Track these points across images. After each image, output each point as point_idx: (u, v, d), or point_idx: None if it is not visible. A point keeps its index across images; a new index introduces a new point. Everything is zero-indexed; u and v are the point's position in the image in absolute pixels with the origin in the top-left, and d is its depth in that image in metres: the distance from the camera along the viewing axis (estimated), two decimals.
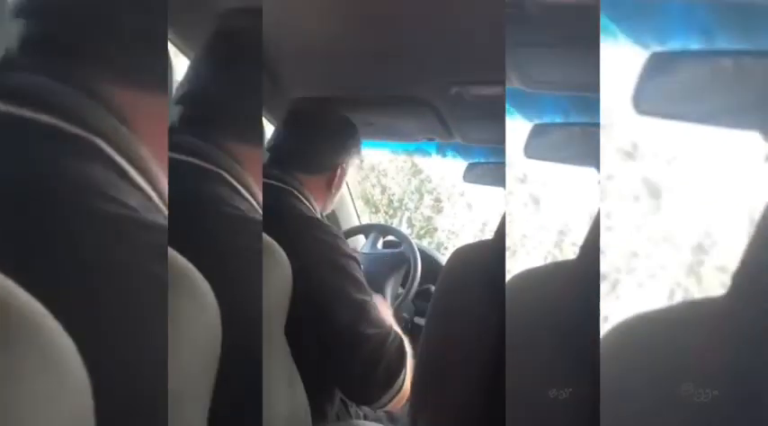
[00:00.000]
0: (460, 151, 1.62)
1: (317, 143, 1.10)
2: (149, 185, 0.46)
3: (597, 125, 0.72)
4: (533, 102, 0.95)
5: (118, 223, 0.41)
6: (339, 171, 1.10)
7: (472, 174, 1.56)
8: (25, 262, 0.33)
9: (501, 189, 1.49)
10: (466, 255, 0.86)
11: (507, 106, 0.99)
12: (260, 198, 0.76)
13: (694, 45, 0.63)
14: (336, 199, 1.15)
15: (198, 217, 0.68)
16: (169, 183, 0.49)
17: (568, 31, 0.74)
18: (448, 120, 1.32)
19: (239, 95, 0.67)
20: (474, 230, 3.83)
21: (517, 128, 0.98)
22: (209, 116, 0.74)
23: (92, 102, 0.44)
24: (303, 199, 1.05)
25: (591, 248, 0.60)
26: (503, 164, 1.45)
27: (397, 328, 1.03)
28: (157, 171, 0.47)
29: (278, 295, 0.83)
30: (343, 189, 1.21)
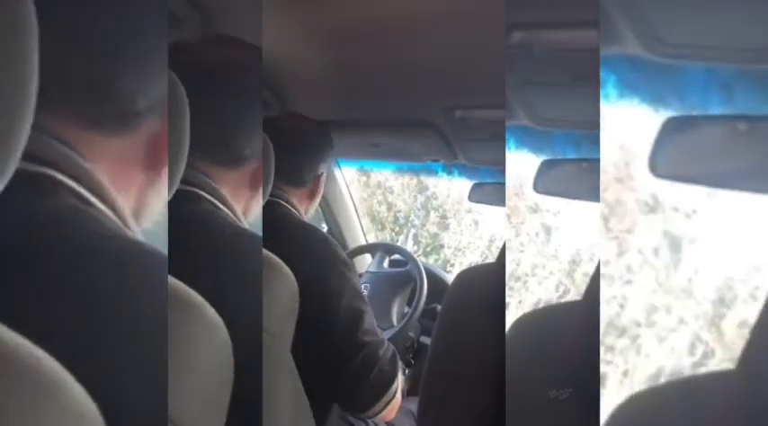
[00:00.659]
0: (465, 171, 1.65)
1: (297, 159, 1.13)
2: (113, 211, 0.46)
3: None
4: (542, 137, 0.99)
5: (109, 253, 0.41)
6: (320, 180, 1.13)
7: (477, 194, 1.59)
8: (23, 309, 0.34)
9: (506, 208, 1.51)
10: (469, 278, 0.88)
11: (516, 142, 1.02)
12: (238, 212, 0.78)
13: (714, 106, 0.65)
14: (317, 203, 1.17)
15: (188, 236, 0.71)
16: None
17: (574, 71, 0.77)
18: (452, 142, 1.35)
19: (209, 120, 0.69)
20: (481, 247, 3.84)
21: (526, 163, 1.01)
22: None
23: (54, 143, 0.44)
24: (291, 208, 1.08)
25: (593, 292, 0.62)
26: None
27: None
28: (122, 202, 0.48)
29: (285, 313, 0.85)
30: (350, 207, 1.21)
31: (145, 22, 0.48)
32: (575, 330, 0.64)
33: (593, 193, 0.86)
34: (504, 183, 1.45)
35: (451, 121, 1.27)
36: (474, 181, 1.64)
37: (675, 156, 0.60)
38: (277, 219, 1.05)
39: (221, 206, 0.76)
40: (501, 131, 1.25)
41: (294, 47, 1.08)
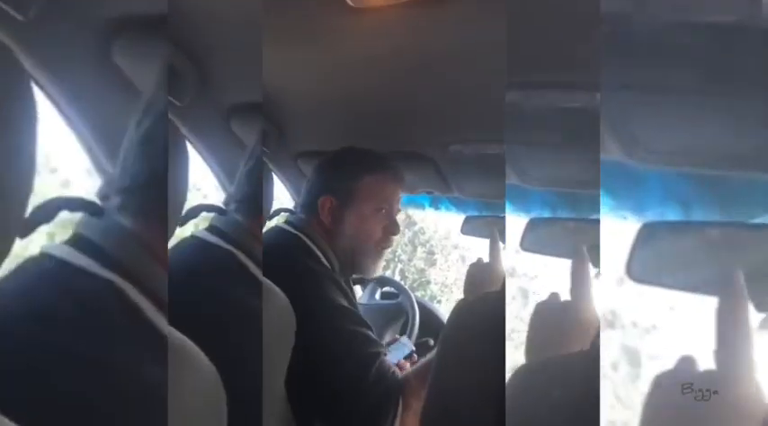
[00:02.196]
0: (455, 204, 1.68)
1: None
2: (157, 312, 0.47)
3: (591, 221, 0.77)
4: (526, 197, 1.02)
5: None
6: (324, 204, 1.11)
7: (469, 227, 1.61)
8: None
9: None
10: (469, 308, 0.88)
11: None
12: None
13: (672, 216, 0.69)
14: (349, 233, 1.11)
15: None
16: None
17: (564, 132, 0.82)
18: (447, 175, 1.39)
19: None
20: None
21: (512, 222, 1.04)
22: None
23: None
24: (310, 242, 1.08)
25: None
26: (499, 217, 1.51)
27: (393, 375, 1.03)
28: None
29: (280, 341, 0.85)
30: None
31: None
32: (575, 381, 0.65)
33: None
34: (497, 216, 1.48)
35: (447, 155, 1.30)
36: (463, 215, 1.67)
37: (650, 263, 0.62)
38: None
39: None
40: (495, 166, 1.29)
41: (292, 79, 1.11)
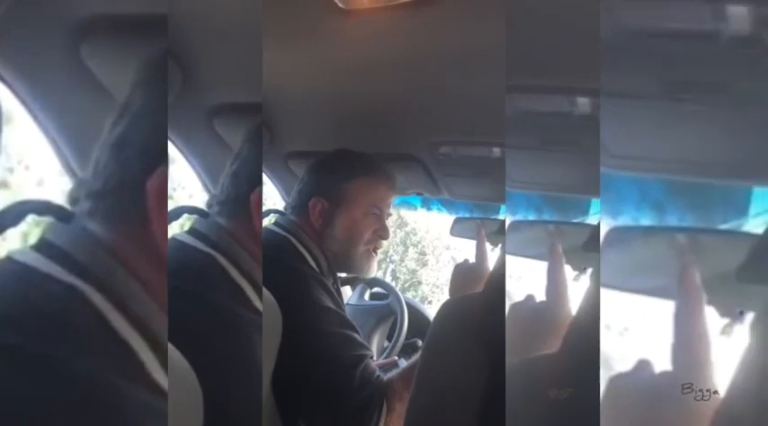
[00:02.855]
0: (446, 205, 1.69)
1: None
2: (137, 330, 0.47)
3: (571, 224, 0.78)
4: (508, 199, 1.04)
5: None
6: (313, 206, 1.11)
7: (459, 228, 1.62)
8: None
9: (487, 244, 1.55)
10: (455, 308, 0.89)
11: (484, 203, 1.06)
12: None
13: (646, 220, 0.70)
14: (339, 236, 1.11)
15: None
16: None
17: (545, 135, 0.83)
18: (436, 177, 1.40)
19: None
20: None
21: (492, 225, 1.04)
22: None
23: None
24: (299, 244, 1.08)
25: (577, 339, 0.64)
26: (489, 219, 1.52)
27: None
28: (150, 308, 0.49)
29: (265, 342, 0.86)
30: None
31: None
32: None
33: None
34: (487, 218, 1.49)
35: (436, 156, 1.31)
36: (454, 216, 1.68)
37: (618, 267, 0.62)
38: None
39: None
40: (485, 167, 1.30)
41: (282, 80, 1.12)
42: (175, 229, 0.80)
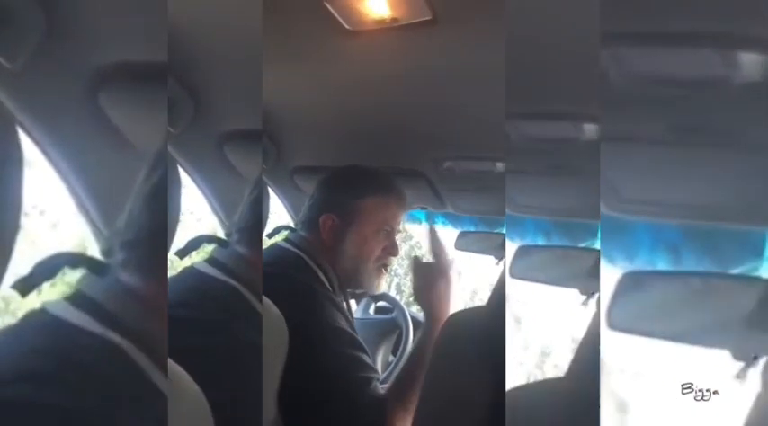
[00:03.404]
0: (450, 220, 1.70)
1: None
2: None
3: (579, 248, 0.79)
4: (514, 224, 1.04)
5: None
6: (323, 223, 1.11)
7: (463, 242, 1.64)
8: None
9: (491, 257, 1.56)
10: (461, 322, 0.90)
11: (494, 227, 1.07)
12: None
13: (662, 264, 0.71)
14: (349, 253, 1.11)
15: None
16: None
17: (550, 160, 0.84)
18: (440, 191, 1.41)
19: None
20: (464, 298, 3.84)
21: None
22: None
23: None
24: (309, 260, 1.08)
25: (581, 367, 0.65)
26: (493, 233, 1.53)
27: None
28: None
29: (271, 357, 0.86)
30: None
31: None
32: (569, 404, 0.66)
33: (568, 280, 0.90)
34: (491, 232, 1.50)
35: (440, 171, 1.33)
36: (458, 230, 1.70)
37: (632, 311, 0.63)
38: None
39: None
40: (487, 182, 1.32)
41: (288, 96, 1.14)
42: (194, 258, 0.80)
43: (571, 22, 0.65)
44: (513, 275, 1.00)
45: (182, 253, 0.72)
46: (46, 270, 0.45)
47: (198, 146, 1.03)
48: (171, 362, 0.49)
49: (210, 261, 0.81)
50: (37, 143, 0.78)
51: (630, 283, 0.63)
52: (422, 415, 0.87)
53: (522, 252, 0.99)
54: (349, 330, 1.02)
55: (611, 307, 0.63)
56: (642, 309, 0.62)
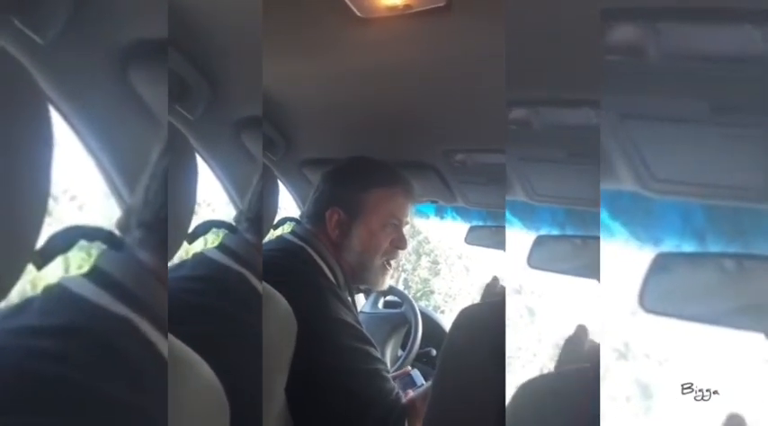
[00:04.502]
0: (460, 213, 1.69)
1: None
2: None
3: (598, 238, 0.78)
4: (533, 213, 1.03)
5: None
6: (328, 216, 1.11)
7: (474, 236, 1.63)
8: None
9: (501, 251, 1.55)
10: (472, 317, 0.90)
11: (509, 216, 1.07)
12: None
13: (688, 246, 0.70)
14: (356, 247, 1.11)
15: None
16: None
17: (571, 149, 0.83)
18: (451, 184, 1.40)
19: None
20: (472, 293, 3.84)
21: (518, 238, 1.05)
22: None
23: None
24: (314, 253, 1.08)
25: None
26: (504, 227, 1.52)
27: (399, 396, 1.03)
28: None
29: (280, 347, 0.86)
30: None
31: None
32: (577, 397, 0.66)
33: (587, 270, 0.89)
34: (502, 226, 1.49)
35: (451, 164, 1.32)
36: (469, 224, 1.69)
37: (664, 293, 0.63)
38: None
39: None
40: (499, 175, 1.31)
41: (298, 86, 1.14)
42: (201, 244, 0.80)
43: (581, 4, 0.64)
44: (532, 265, 0.99)
45: (190, 239, 0.73)
46: (61, 241, 0.45)
47: (215, 133, 1.03)
48: (184, 348, 0.49)
49: (221, 248, 0.81)
50: (67, 120, 0.78)
51: (661, 265, 0.62)
52: (433, 409, 0.87)
53: (540, 241, 0.98)
54: (354, 323, 1.02)
55: (644, 289, 0.62)
56: (674, 292, 0.61)
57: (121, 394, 0.41)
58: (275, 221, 1.18)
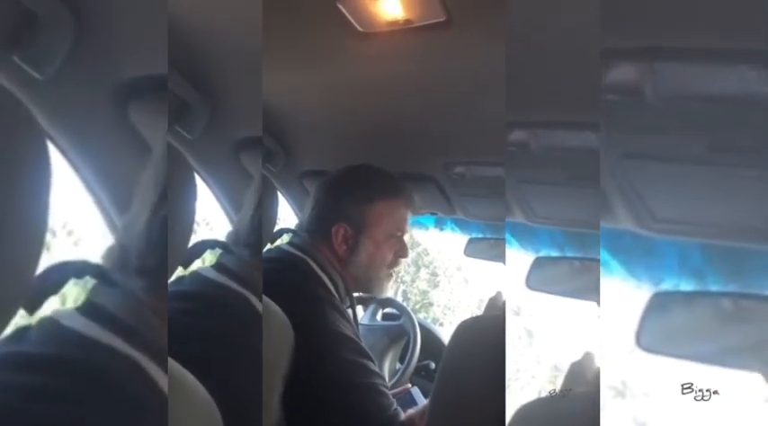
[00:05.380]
0: (459, 225, 1.70)
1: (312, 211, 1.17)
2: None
3: (597, 260, 0.79)
4: (532, 235, 1.04)
5: None
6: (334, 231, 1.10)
7: (472, 249, 1.64)
8: None
9: (500, 264, 1.56)
10: (471, 329, 0.90)
11: (509, 237, 1.07)
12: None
13: (686, 285, 0.70)
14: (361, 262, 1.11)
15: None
16: None
17: (570, 171, 0.84)
18: (451, 197, 1.41)
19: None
20: (471, 306, 3.83)
21: (517, 260, 1.05)
22: None
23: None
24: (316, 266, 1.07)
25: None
26: (503, 239, 1.52)
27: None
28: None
29: (277, 361, 0.86)
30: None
31: None
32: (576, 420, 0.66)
33: (585, 292, 0.89)
34: (501, 239, 1.50)
35: (451, 176, 1.33)
36: (468, 237, 1.69)
37: (662, 332, 0.63)
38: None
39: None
40: (499, 187, 1.32)
41: (299, 98, 1.15)
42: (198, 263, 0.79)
43: (581, 30, 0.65)
44: (530, 287, 0.99)
45: (185, 262, 0.72)
46: (52, 281, 0.44)
47: (214, 153, 1.03)
48: (178, 368, 0.49)
49: (218, 267, 0.81)
50: (65, 155, 0.79)
51: (658, 304, 0.62)
52: (432, 423, 0.87)
53: (539, 263, 0.99)
54: (353, 337, 1.02)
55: (641, 328, 0.62)
56: (671, 331, 0.61)
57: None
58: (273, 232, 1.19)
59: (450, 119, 1.14)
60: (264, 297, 0.88)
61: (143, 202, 0.51)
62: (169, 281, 0.54)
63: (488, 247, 1.61)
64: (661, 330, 0.62)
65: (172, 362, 0.48)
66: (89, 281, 0.48)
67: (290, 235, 1.21)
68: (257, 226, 0.83)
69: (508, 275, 0.97)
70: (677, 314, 0.63)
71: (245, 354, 0.74)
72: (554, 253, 1.05)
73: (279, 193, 1.45)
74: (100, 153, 0.82)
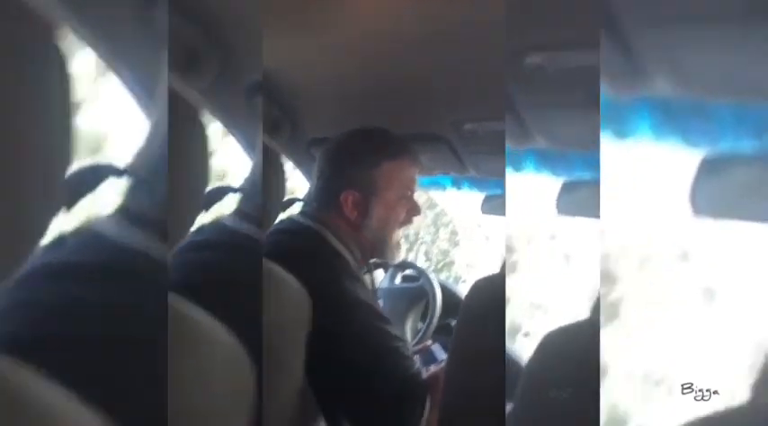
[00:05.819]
0: (476, 184, 1.68)
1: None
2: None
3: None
4: (557, 159, 1.01)
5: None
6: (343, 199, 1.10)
7: (489, 206, 1.62)
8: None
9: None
10: (485, 287, 0.90)
11: (535, 164, 1.05)
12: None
13: (745, 147, 0.67)
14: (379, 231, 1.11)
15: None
16: None
17: (591, 92, 0.80)
18: (462, 155, 1.39)
19: None
20: (492, 262, 3.84)
21: (546, 185, 1.03)
22: None
23: None
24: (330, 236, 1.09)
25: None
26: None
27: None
28: None
29: (294, 328, 0.88)
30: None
31: None
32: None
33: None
34: None
35: (461, 134, 1.31)
36: (485, 194, 1.68)
37: (714, 195, 0.62)
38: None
39: None
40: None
41: (302, 62, 1.13)
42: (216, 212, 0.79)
43: None
44: (559, 212, 0.99)
45: (206, 205, 0.73)
46: (87, 181, 0.45)
47: (228, 97, 1.03)
48: (204, 315, 0.50)
49: (237, 213, 0.82)
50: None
51: (710, 168, 0.61)
52: (450, 380, 0.89)
53: (567, 188, 0.97)
54: (371, 302, 1.04)
55: (693, 193, 0.62)
56: (724, 193, 0.60)
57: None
58: (283, 200, 1.20)
59: (457, 74, 1.11)
60: (279, 268, 0.89)
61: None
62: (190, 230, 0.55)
63: (504, 203, 1.60)
64: (712, 193, 0.61)
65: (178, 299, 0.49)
66: (123, 183, 0.49)
67: (302, 205, 1.21)
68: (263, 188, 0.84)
69: (508, 223, 0.96)
70: (729, 175, 0.61)
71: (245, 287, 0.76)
72: (576, 178, 1.04)
73: (287, 161, 1.45)
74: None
